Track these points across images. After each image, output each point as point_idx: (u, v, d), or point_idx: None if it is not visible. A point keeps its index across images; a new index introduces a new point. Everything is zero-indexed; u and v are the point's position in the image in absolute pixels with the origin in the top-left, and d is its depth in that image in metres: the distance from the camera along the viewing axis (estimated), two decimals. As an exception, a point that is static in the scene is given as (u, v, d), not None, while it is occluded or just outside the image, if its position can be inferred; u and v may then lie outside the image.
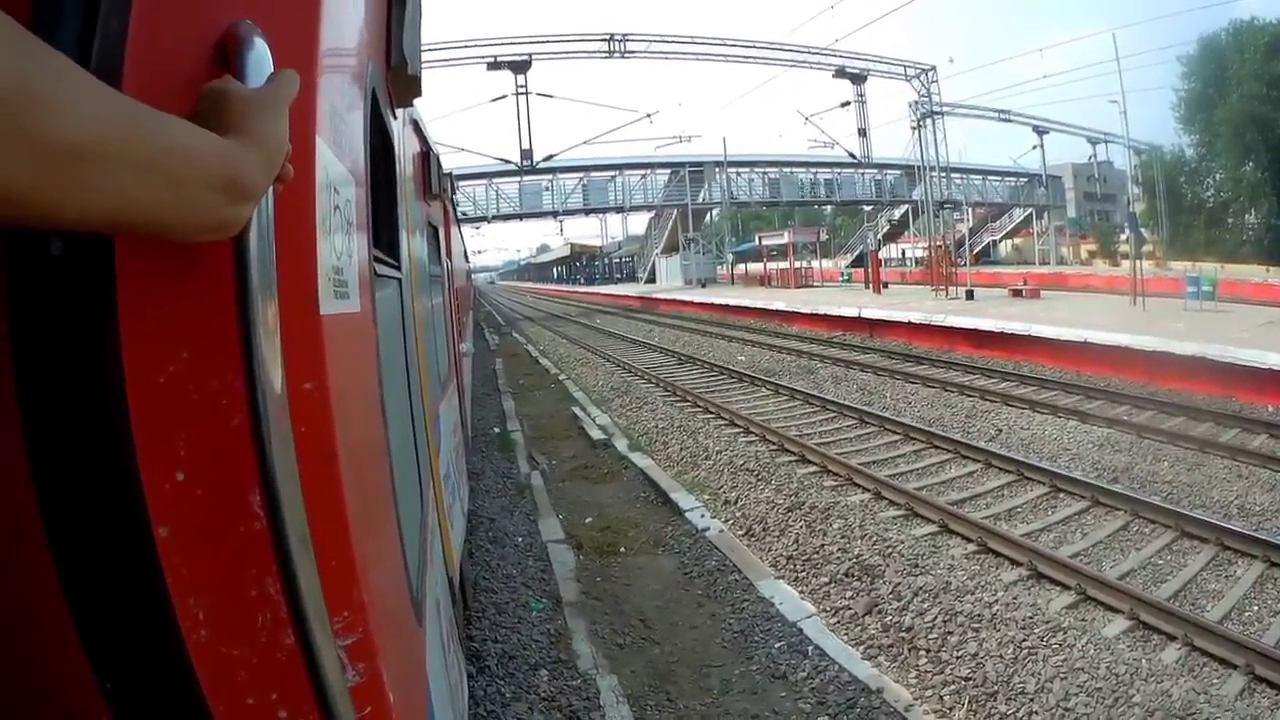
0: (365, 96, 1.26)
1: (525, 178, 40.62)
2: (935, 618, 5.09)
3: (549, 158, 39.55)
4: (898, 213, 52.23)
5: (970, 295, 25.30)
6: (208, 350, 0.72)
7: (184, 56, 0.73)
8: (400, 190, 2.11)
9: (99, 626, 0.69)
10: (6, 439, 0.65)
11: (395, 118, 2.00)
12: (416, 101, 2.38)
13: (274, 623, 0.75)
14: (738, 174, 46.79)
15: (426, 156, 3.62)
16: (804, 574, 6.13)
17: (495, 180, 40.57)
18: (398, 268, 1.92)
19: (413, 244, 2.52)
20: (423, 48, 2.08)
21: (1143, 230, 24.91)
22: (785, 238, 43.51)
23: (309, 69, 0.85)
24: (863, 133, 44.24)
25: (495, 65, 36.50)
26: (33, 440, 0.66)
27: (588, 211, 47.50)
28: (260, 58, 0.74)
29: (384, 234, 1.88)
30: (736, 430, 10.88)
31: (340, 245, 0.95)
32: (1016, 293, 25.85)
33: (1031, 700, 4.20)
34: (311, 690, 0.75)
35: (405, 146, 2.56)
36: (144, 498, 0.69)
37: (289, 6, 0.86)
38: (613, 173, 44.16)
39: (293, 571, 0.72)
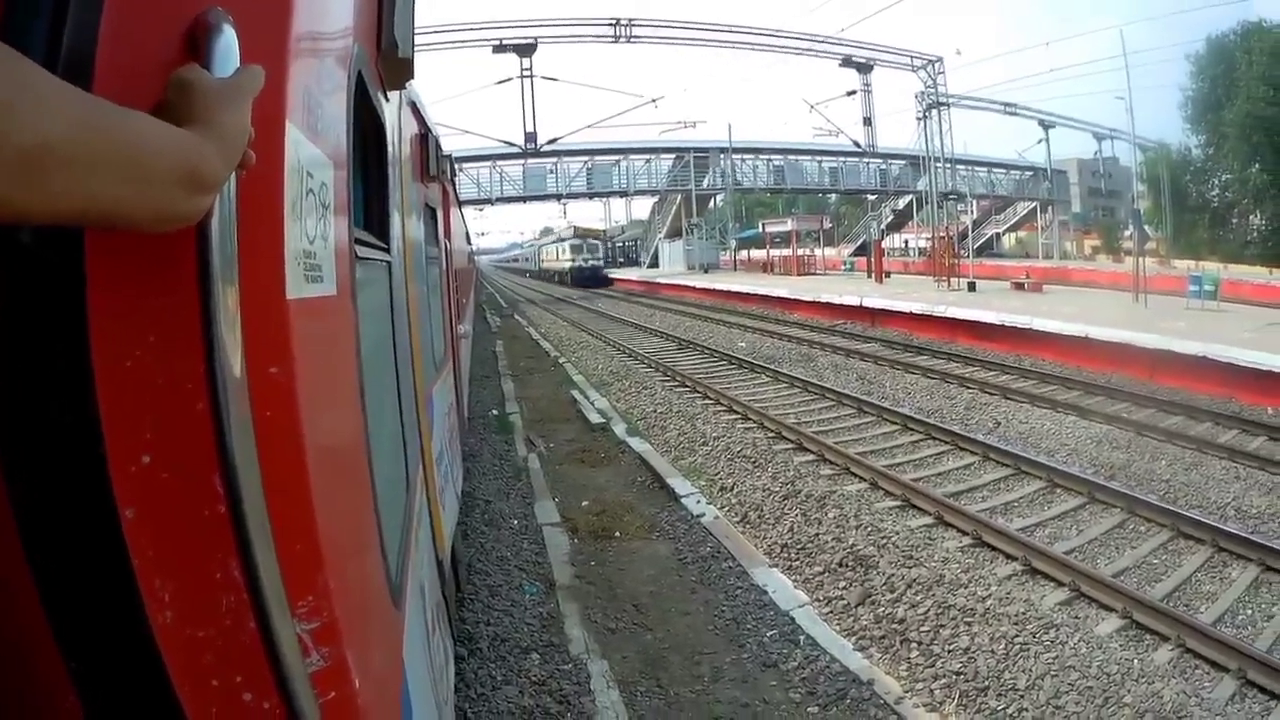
0: (350, 79, 1.25)
1: (529, 161, 40.33)
2: (928, 610, 5.10)
3: (553, 141, 39.29)
4: (902, 202, 51.92)
5: (972, 287, 25.25)
6: (172, 335, 0.72)
7: (157, 44, 0.73)
8: (392, 172, 2.10)
9: (66, 606, 0.70)
10: None
11: (387, 100, 1.99)
12: (419, 84, 2.38)
13: (238, 606, 0.75)
14: (742, 160, 46.46)
15: (425, 138, 3.60)
16: (798, 562, 6.14)
17: (499, 163, 40.29)
18: (387, 250, 1.92)
19: (407, 225, 2.51)
20: (417, 30, 2.08)
21: (1147, 228, 24.73)
22: (789, 225, 43.39)
23: (279, 53, 0.84)
24: (868, 122, 43.73)
25: (500, 48, 36.14)
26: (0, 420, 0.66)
27: (592, 195, 47.20)
28: (228, 45, 0.73)
29: (374, 216, 1.88)
30: (735, 416, 10.88)
31: (313, 228, 0.94)
32: (1019, 286, 25.64)
33: (1022, 697, 4.20)
34: (273, 674, 0.75)
35: (401, 129, 2.55)
36: (109, 479, 0.69)
37: None
38: (617, 157, 43.84)
39: (252, 556, 0.72)
